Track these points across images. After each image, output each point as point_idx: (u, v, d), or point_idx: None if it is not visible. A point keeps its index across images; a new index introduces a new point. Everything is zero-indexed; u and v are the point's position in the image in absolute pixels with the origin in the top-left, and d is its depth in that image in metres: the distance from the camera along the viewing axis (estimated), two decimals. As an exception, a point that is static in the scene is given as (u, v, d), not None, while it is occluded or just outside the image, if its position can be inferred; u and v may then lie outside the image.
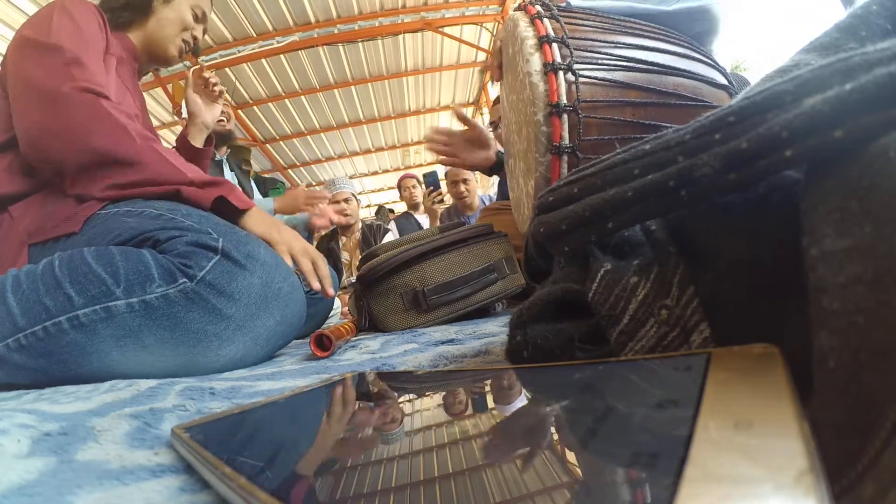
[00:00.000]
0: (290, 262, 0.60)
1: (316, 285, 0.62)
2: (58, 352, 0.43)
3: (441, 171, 2.44)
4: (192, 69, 0.90)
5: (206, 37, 3.51)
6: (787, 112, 0.15)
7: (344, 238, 2.12)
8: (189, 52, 0.80)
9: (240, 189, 0.64)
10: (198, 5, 0.78)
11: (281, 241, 0.61)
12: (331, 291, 0.64)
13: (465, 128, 1.07)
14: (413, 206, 2.52)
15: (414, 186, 2.53)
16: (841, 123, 0.14)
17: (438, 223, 2.11)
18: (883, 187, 0.13)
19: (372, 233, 2.09)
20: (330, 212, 1.47)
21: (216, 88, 0.90)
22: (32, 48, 0.57)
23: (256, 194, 1.62)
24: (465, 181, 2.02)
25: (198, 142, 0.90)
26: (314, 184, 6.62)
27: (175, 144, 0.91)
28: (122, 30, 0.73)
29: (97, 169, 0.55)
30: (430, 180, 2.09)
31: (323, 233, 2.16)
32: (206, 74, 0.89)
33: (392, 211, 3.50)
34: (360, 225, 2.14)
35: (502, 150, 1.08)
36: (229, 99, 4.26)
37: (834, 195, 0.14)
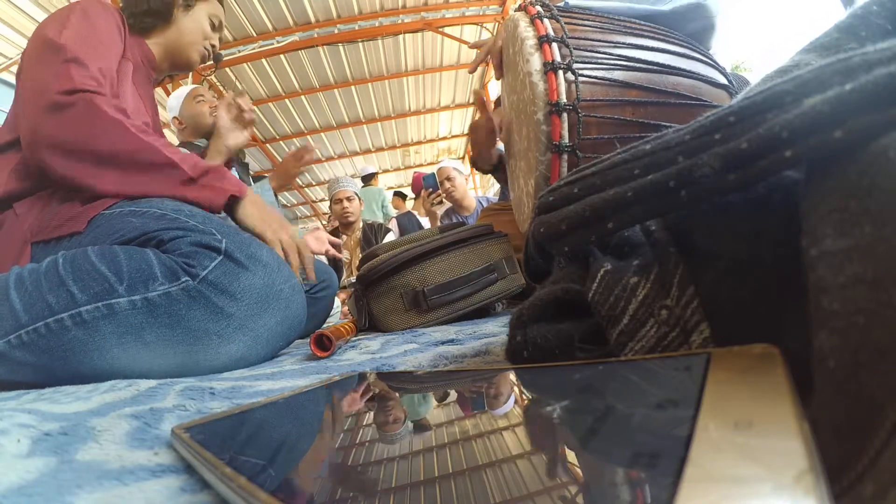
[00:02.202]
0: (281, 255, 0.62)
1: (301, 277, 0.64)
2: (59, 348, 0.43)
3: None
4: (233, 95, 0.90)
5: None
6: (787, 112, 0.15)
7: (344, 236, 2.12)
8: (209, 59, 0.83)
9: (232, 175, 0.65)
10: (215, 14, 0.81)
11: (273, 239, 0.62)
12: (313, 276, 0.68)
13: (482, 116, 1.04)
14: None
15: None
16: (841, 123, 0.14)
17: (438, 224, 2.10)
18: (883, 187, 0.13)
19: (373, 232, 2.09)
20: (325, 240, 1.45)
21: (248, 116, 0.90)
22: (42, 48, 0.58)
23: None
24: (448, 179, 2.03)
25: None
26: (314, 184, 6.62)
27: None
28: (143, 35, 0.75)
29: (99, 171, 0.55)
30: (430, 182, 2.09)
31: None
32: (241, 101, 0.89)
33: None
34: (360, 224, 2.14)
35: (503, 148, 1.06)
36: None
37: (834, 195, 0.14)
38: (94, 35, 0.62)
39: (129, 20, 0.72)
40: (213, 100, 1.47)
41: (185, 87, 1.48)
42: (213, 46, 0.81)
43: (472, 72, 0.94)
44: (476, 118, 1.04)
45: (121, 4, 0.74)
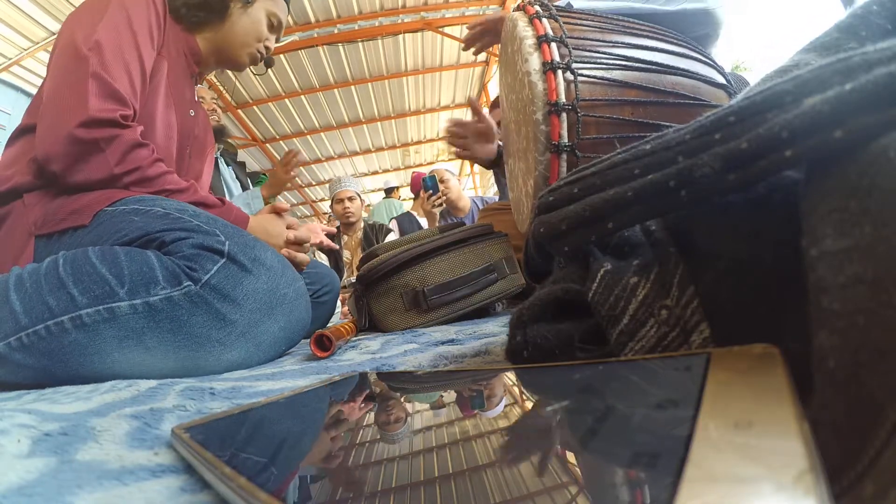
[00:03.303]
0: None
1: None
2: (59, 351, 0.43)
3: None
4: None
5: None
6: (787, 112, 0.15)
7: (346, 237, 2.13)
8: (261, 61, 0.79)
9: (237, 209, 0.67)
10: (274, 14, 0.76)
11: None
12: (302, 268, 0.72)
13: (476, 119, 1.06)
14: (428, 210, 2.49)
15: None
16: (841, 123, 0.14)
17: (437, 224, 2.10)
18: (883, 187, 0.13)
19: (374, 232, 2.09)
20: (318, 231, 1.44)
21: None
22: (68, 53, 0.57)
23: (238, 188, 1.61)
24: (442, 181, 2.06)
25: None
26: (314, 183, 6.62)
27: None
28: (193, 30, 0.71)
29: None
30: (430, 185, 2.09)
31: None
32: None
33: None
34: (362, 224, 2.14)
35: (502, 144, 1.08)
36: (230, 99, 4.25)
37: (834, 195, 0.14)
38: (128, 32, 0.59)
39: (181, 10, 0.68)
40: (212, 102, 1.47)
41: None
42: (266, 48, 0.77)
43: (466, 48, 0.94)
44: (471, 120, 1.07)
45: None
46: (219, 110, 1.46)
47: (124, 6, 0.60)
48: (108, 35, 0.57)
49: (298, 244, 0.70)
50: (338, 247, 1.93)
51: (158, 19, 0.64)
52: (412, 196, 2.68)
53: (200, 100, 1.45)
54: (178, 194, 0.60)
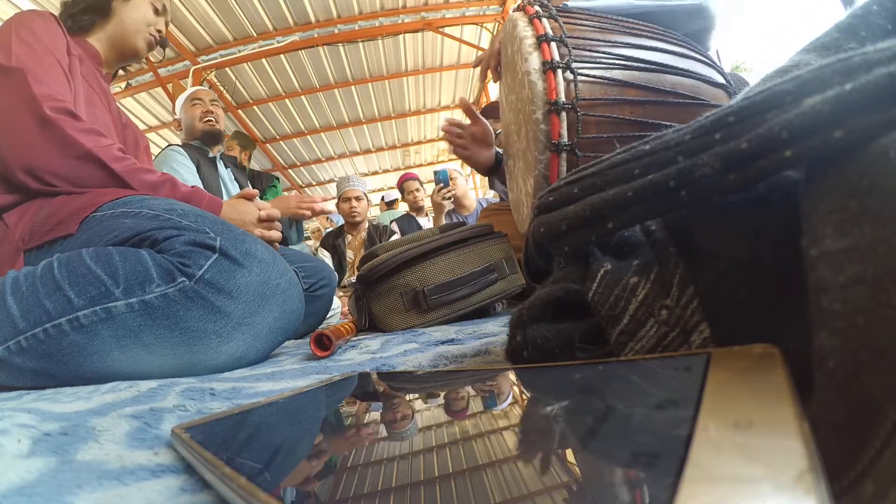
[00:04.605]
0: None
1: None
2: (58, 353, 0.43)
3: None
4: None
5: (207, 36, 3.51)
6: (787, 112, 0.15)
7: (350, 236, 2.12)
8: (157, 45, 0.83)
9: (210, 197, 0.68)
10: None
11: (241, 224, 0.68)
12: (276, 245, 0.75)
13: (471, 122, 1.05)
14: (416, 209, 2.50)
15: (417, 189, 2.50)
16: (841, 123, 0.14)
17: (443, 219, 2.11)
18: (883, 187, 0.13)
19: (378, 233, 2.09)
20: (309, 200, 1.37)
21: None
22: None
23: (237, 189, 1.59)
24: (451, 178, 2.08)
25: None
26: (314, 184, 6.62)
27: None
28: (84, 34, 0.75)
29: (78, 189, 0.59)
30: (441, 177, 2.10)
31: (330, 228, 2.17)
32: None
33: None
34: (366, 224, 2.14)
35: (501, 151, 1.06)
36: (230, 99, 4.25)
37: (834, 195, 0.14)
38: (40, 44, 0.62)
39: (67, 23, 0.72)
40: (209, 103, 1.46)
41: (189, 90, 1.48)
42: (158, 32, 0.81)
43: (483, 79, 0.95)
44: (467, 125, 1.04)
45: (58, 12, 0.74)
46: (217, 111, 1.45)
47: (24, 25, 0.63)
48: (23, 51, 0.60)
49: (269, 221, 0.73)
50: (334, 210, 1.92)
51: (61, 29, 0.68)
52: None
53: (196, 102, 1.44)
54: (148, 174, 0.62)
